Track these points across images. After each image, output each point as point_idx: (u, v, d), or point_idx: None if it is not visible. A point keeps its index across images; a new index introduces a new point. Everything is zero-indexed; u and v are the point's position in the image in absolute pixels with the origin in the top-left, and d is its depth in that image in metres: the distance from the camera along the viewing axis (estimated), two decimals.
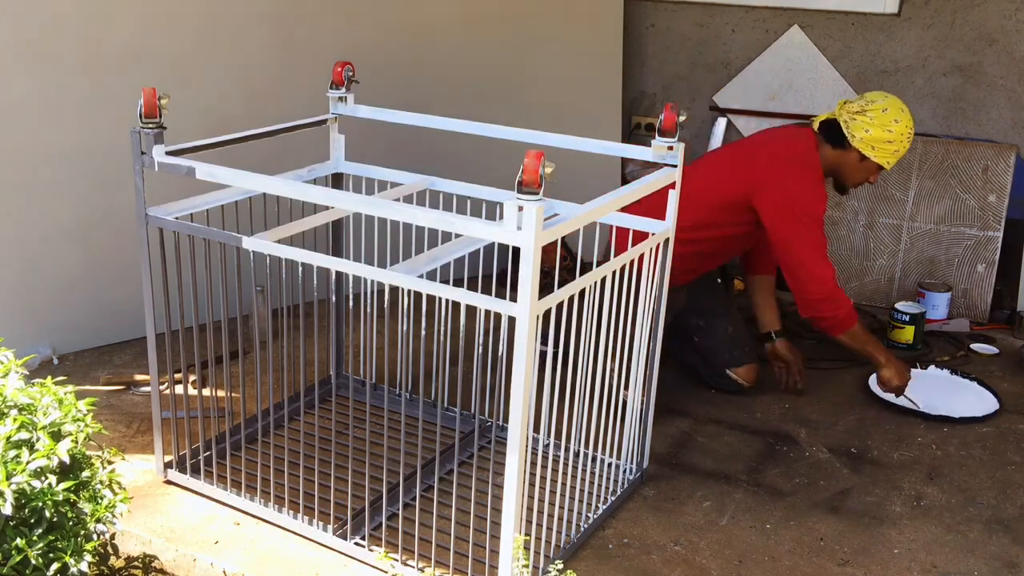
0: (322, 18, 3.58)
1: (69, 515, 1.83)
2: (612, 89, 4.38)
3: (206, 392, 2.88)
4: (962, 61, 4.11)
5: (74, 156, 3.17)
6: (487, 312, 2.06)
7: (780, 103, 4.42)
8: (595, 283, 2.21)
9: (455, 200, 2.74)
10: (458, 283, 2.30)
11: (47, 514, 1.78)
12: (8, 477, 1.74)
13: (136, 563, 2.19)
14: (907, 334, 3.69)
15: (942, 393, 3.34)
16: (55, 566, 1.76)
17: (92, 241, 3.28)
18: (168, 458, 2.61)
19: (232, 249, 2.36)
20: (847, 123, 3.02)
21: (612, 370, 2.43)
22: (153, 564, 2.22)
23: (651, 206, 2.56)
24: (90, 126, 3.16)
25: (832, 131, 3.06)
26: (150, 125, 2.31)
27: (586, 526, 2.45)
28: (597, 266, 2.23)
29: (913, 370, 3.37)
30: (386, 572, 2.24)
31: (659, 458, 2.85)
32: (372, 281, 2.14)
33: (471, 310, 3.02)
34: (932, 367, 3.51)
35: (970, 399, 3.32)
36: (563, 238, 2.09)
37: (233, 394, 3.02)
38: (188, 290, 2.42)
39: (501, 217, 1.91)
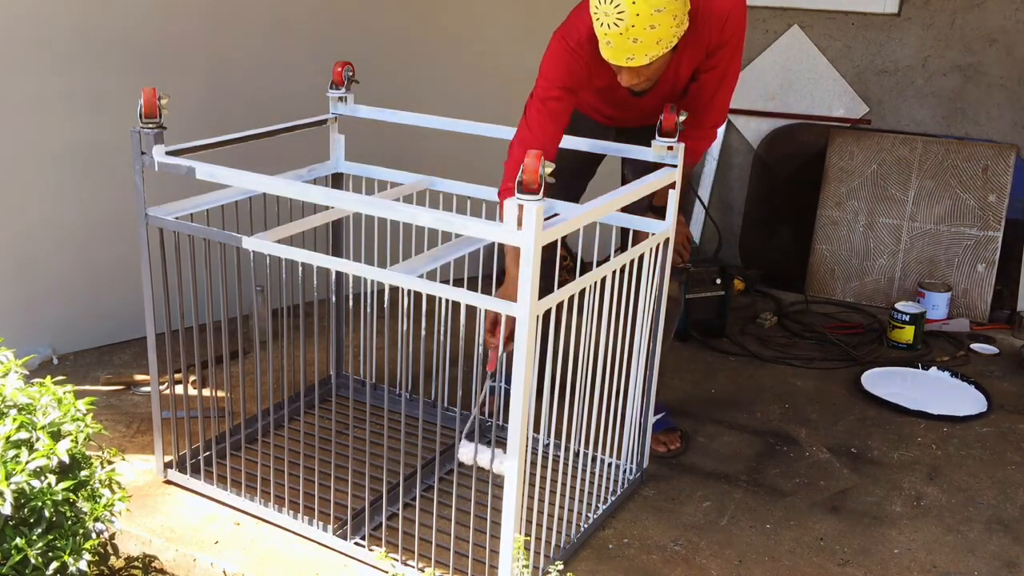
0: (322, 18, 3.58)
1: (68, 514, 1.83)
2: None
3: (206, 392, 2.88)
4: (962, 61, 4.11)
5: (74, 156, 3.17)
6: (487, 312, 2.06)
7: (780, 103, 4.42)
8: (595, 283, 2.21)
9: (455, 200, 2.74)
10: (458, 283, 2.30)
11: (46, 514, 1.78)
12: (8, 477, 1.74)
13: (136, 563, 2.19)
14: (907, 334, 3.69)
15: (936, 393, 3.35)
16: (54, 565, 1.76)
17: (92, 241, 3.28)
18: (168, 458, 2.61)
19: (232, 249, 2.36)
20: None
21: (612, 371, 2.43)
22: (153, 564, 2.22)
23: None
24: (90, 126, 3.16)
25: None
26: (150, 125, 2.31)
27: (586, 526, 2.45)
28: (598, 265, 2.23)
29: (912, 370, 3.37)
30: (386, 572, 2.24)
31: (659, 458, 2.84)
32: (372, 281, 2.14)
33: (471, 310, 3.02)
34: (933, 368, 3.52)
35: (963, 399, 3.32)
36: (563, 238, 2.08)
37: (233, 394, 3.02)
38: (188, 290, 2.42)
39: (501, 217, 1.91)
